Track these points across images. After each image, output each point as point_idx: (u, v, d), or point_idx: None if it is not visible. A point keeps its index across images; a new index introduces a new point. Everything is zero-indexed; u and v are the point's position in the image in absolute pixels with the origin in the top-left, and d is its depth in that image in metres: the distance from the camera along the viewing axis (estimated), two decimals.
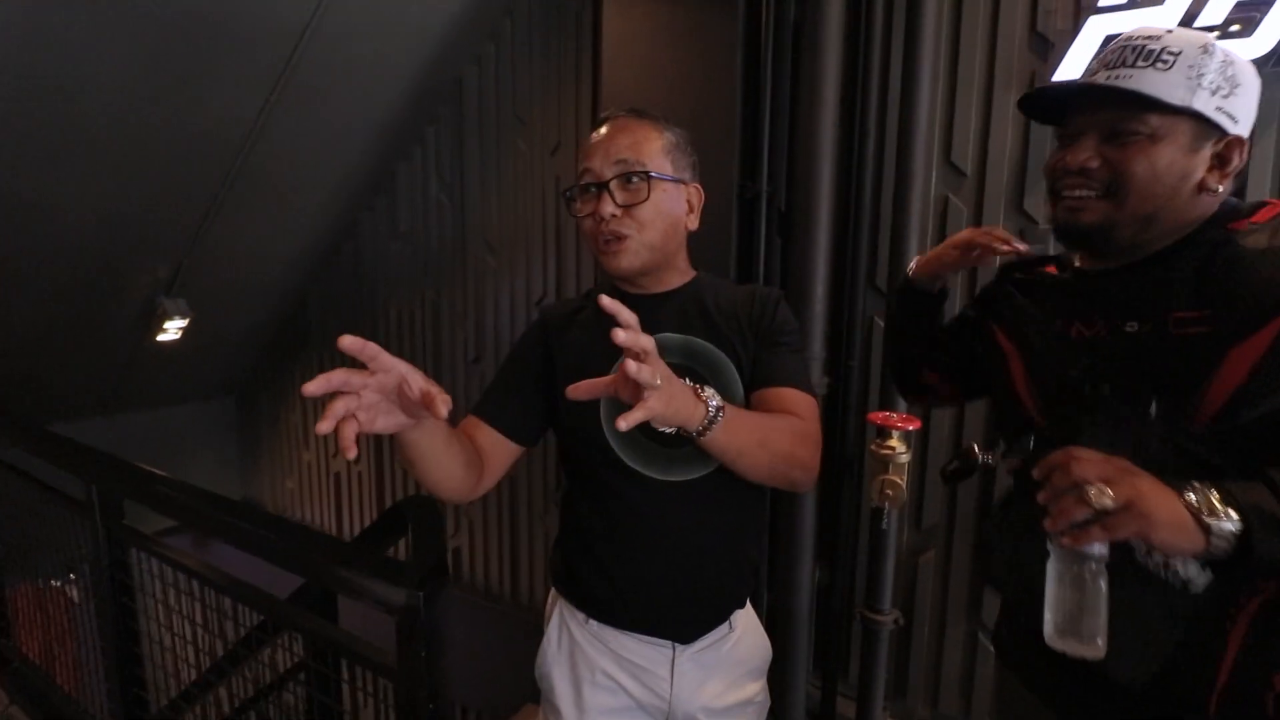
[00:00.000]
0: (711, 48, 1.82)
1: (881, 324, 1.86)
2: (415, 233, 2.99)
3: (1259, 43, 1.40)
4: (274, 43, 2.20)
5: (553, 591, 1.04)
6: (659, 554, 0.90)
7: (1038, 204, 1.68)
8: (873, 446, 1.63)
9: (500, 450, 0.94)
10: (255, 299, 3.35)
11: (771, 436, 0.83)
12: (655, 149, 0.90)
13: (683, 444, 0.88)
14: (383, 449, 3.26)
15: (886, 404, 1.75)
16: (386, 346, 0.66)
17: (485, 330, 2.80)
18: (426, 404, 0.65)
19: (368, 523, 3.37)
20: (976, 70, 1.72)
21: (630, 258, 0.90)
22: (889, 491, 1.62)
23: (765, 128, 1.83)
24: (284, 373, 3.71)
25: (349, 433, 0.62)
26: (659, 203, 0.89)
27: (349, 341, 0.60)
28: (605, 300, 0.69)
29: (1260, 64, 1.41)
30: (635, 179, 0.88)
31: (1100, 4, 1.52)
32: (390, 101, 2.64)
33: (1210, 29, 1.43)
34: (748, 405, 0.91)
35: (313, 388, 0.59)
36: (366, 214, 3.14)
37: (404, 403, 0.68)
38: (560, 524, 1.03)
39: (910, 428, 1.61)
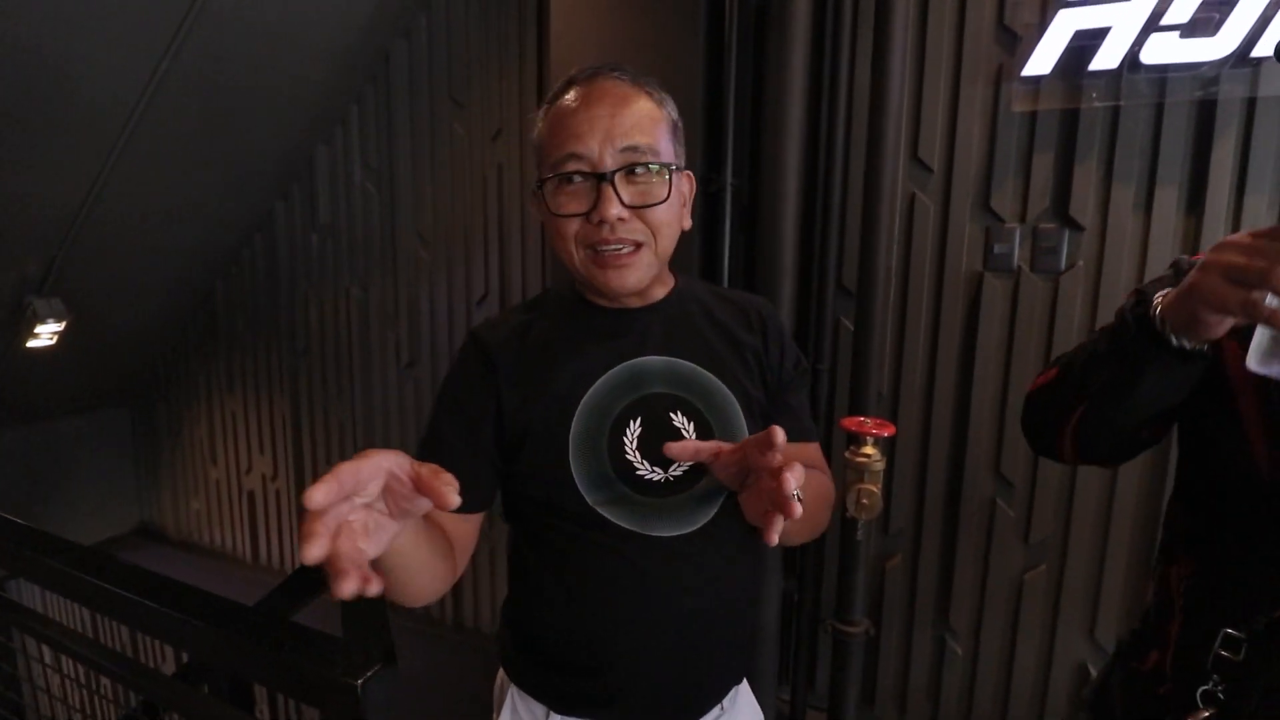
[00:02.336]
0: (672, 29, 1.68)
1: (850, 325, 1.79)
2: (337, 224, 2.72)
3: (1221, 43, 1.40)
4: (165, 1, 1.90)
5: (501, 676, 0.85)
6: (644, 628, 0.73)
7: (1004, 201, 1.65)
8: (847, 454, 1.55)
9: (466, 527, 0.75)
10: (148, 298, 2.97)
11: (816, 504, 0.73)
12: (663, 130, 0.71)
13: (676, 490, 0.72)
14: (303, 463, 2.96)
15: (857, 408, 1.69)
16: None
17: (420, 332, 2.57)
18: (428, 491, 0.46)
19: (289, 547, 3.06)
20: (943, 64, 1.67)
21: (640, 274, 0.72)
22: (865, 501, 1.55)
23: (730, 118, 1.71)
24: (186, 381, 3.33)
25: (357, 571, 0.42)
26: (668, 201, 0.71)
27: (320, 498, 0.40)
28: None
29: (1222, 64, 1.42)
30: (652, 172, 0.69)
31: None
32: (305, 76, 2.36)
33: (1174, 28, 1.42)
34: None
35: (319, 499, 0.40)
36: (281, 203, 2.83)
37: (392, 504, 0.49)
38: (510, 590, 0.83)
39: (885, 433, 1.54)
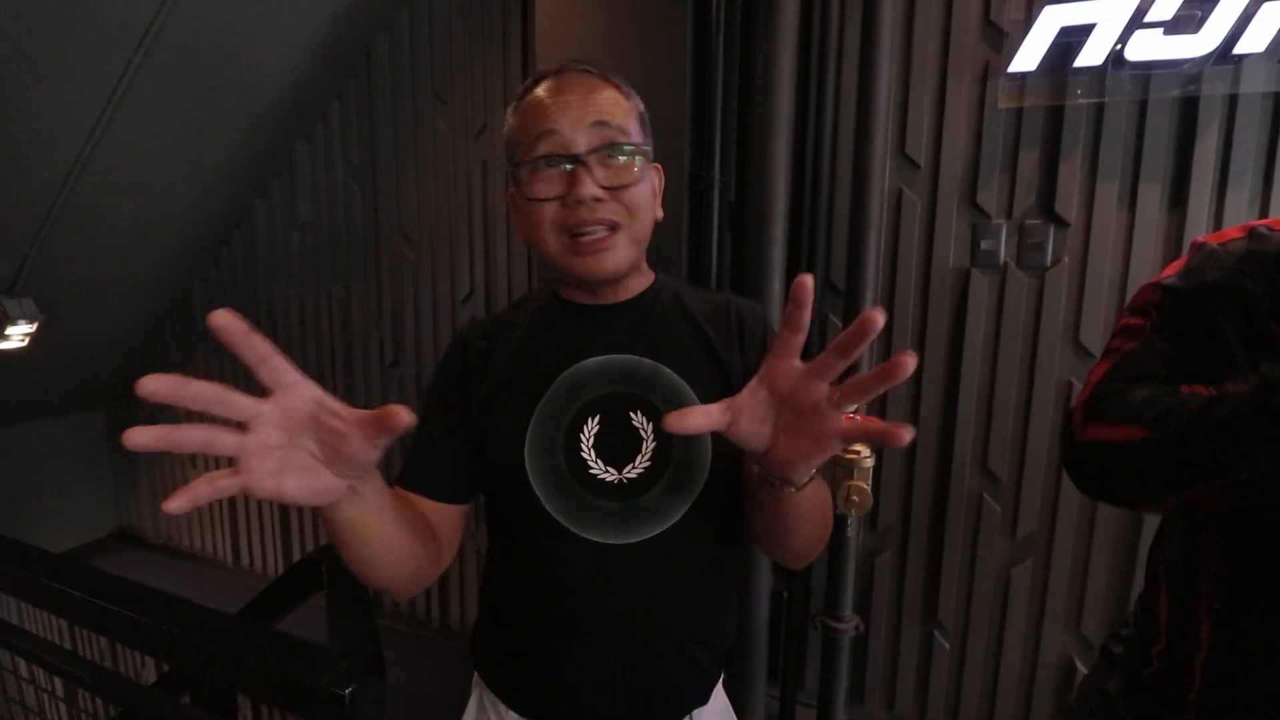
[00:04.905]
0: (659, 24, 1.67)
1: (838, 323, 1.79)
2: (319, 221, 2.67)
3: (1204, 40, 1.41)
4: None
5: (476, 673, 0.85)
6: (597, 639, 0.71)
7: (990, 197, 1.66)
8: (837, 451, 1.55)
9: (447, 517, 0.74)
10: (123, 298, 2.90)
11: (826, 512, 0.69)
12: (631, 117, 0.72)
13: (629, 494, 0.70)
14: None
15: None
16: (288, 351, 0.44)
17: (404, 331, 2.53)
18: (381, 423, 0.45)
19: (271, 550, 3.01)
20: (930, 60, 1.67)
21: (619, 256, 0.70)
22: (855, 498, 1.55)
23: (717, 114, 1.70)
24: None
25: (202, 491, 0.41)
26: (643, 184, 0.71)
27: (222, 319, 0.41)
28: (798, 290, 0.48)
29: (1204, 61, 1.43)
30: (624, 153, 0.69)
31: None
32: (283, 72, 2.31)
33: (1158, 25, 1.44)
34: (732, 473, 0.73)
35: (141, 431, 0.40)
36: (260, 201, 2.78)
37: (329, 450, 0.47)
38: (481, 589, 0.84)
39: None
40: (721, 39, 1.71)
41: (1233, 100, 1.44)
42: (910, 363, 0.46)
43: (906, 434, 0.47)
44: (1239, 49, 1.39)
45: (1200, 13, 1.41)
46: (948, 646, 1.83)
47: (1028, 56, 1.54)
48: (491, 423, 0.73)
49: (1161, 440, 0.59)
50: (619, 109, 0.71)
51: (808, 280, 0.49)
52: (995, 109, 1.61)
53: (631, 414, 0.72)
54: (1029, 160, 1.61)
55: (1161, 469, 0.60)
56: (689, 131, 1.70)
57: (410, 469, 0.75)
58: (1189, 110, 1.48)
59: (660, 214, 0.77)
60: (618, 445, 0.71)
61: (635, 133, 0.71)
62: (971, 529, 1.78)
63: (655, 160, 0.78)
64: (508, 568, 0.77)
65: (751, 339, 0.77)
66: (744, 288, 1.74)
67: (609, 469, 0.71)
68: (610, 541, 0.70)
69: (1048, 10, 1.50)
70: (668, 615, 0.72)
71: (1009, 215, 1.65)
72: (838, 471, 1.54)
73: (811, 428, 0.52)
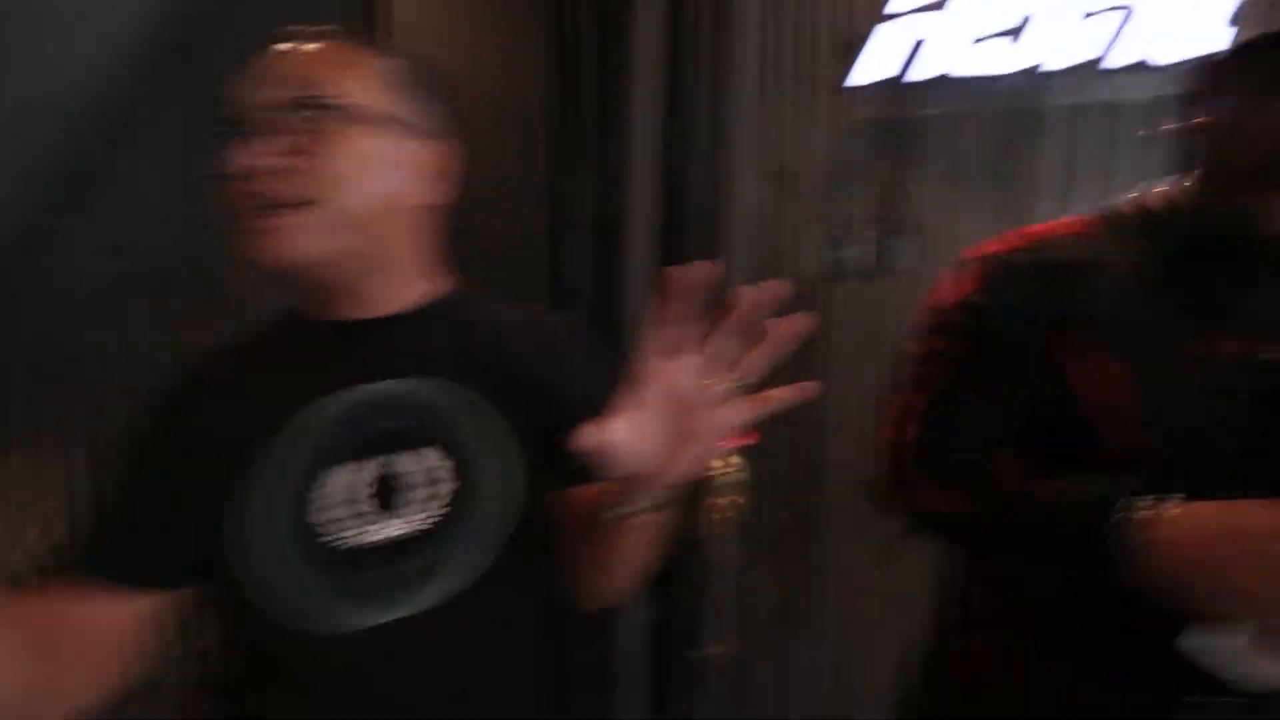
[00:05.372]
0: (516, 34, 1.64)
1: None
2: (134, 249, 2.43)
3: (1028, 54, 1.51)
4: None
5: None
6: None
7: (844, 208, 1.69)
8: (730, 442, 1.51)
9: (154, 609, 0.56)
10: None
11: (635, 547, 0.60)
12: (361, 76, 0.57)
13: (412, 555, 0.56)
14: None
15: None
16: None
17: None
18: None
19: None
20: (786, 75, 1.69)
21: (308, 238, 0.53)
22: (717, 515, 1.51)
23: (583, 125, 1.67)
24: None
25: None
26: (359, 152, 0.55)
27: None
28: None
29: (1029, 73, 1.52)
30: (314, 109, 0.54)
31: (887, 11, 1.55)
32: (79, 84, 2.10)
33: (983, 39, 1.52)
34: (549, 508, 0.63)
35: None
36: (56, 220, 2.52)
37: None
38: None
39: (746, 442, 1.51)
40: (583, 49, 1.67)
41: (1060, 111, 1.55)
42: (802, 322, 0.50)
43: (810, 387, 0.49)
44: (1062, 62, 1.50)
45: (1022, 28, 1.50)
46: (829, 659, 1.81)
47: (867, 71, 1.59)
48: (211, 495, 0.56)
49: (989, 514, 0.67)
50: (342, 69, 0.57)
51: (674, 271, 0.48)
52: (844, 121, 1.66)
53: (414, 453, 0.59)
54: (879, 171, 1.66)
55: (983, 538, 0.71)
56: (548, 145, 1.65)
57: (97, 545, 0.57)
58: (1021, 121, 1.57)
59: (436, 199, 0.64)
60: (390, 495, 0.58)
61: (360, 92, 0.57)
62: (833, 538, 1.77)
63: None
64: (251, 685, 0.59)
65: (571, 356, 0.67)
66: (612, 303, 1.68)
67: (368, 528, 0.57)
68: (361, 624, 0.55)
69: (882, 27, 1.55)
70: (479, 701, 0.58)
71: (863, 226, 1.68)
72: (706, 488, 1.50)
73: (704, 422, 0.49)
